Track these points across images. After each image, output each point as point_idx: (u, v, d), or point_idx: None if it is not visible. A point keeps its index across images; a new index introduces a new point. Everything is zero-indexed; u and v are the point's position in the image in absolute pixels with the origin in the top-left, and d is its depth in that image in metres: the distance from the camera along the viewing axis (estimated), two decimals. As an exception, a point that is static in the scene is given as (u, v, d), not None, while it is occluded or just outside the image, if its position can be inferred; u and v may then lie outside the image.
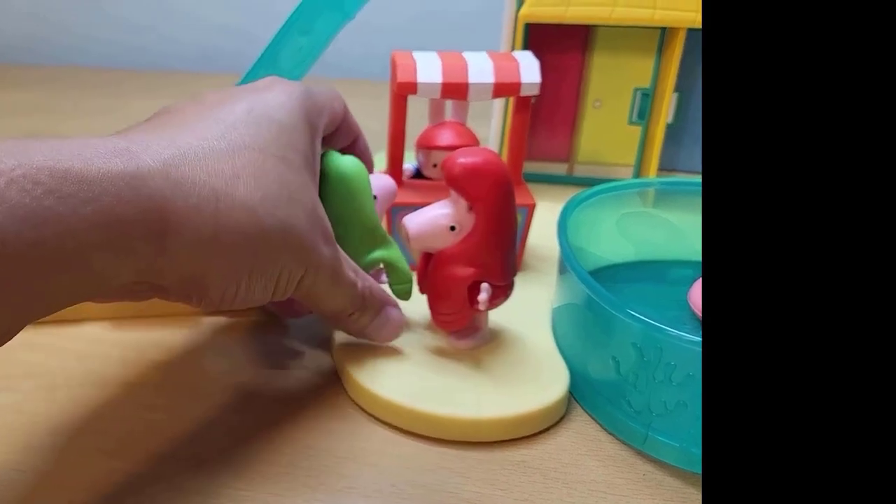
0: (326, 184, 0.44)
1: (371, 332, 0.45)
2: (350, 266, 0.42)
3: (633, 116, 0.67)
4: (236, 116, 0.37)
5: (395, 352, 0.46)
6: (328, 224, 0.40)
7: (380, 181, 0.48)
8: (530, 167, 0.70)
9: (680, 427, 0.39)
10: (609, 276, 0.56)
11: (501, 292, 0.44)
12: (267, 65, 0.67)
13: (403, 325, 0.46)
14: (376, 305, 0.44)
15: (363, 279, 0.43)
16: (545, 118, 0.68)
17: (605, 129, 0.68)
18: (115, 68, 1.14)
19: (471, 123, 0.57)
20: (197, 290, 0.35)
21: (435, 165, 0.56)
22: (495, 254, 0.43)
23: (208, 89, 0.41)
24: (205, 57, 1.13)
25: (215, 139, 0.35)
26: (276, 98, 0.40)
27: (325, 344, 0.49)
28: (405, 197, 0.53)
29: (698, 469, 0.39)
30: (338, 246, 0.41)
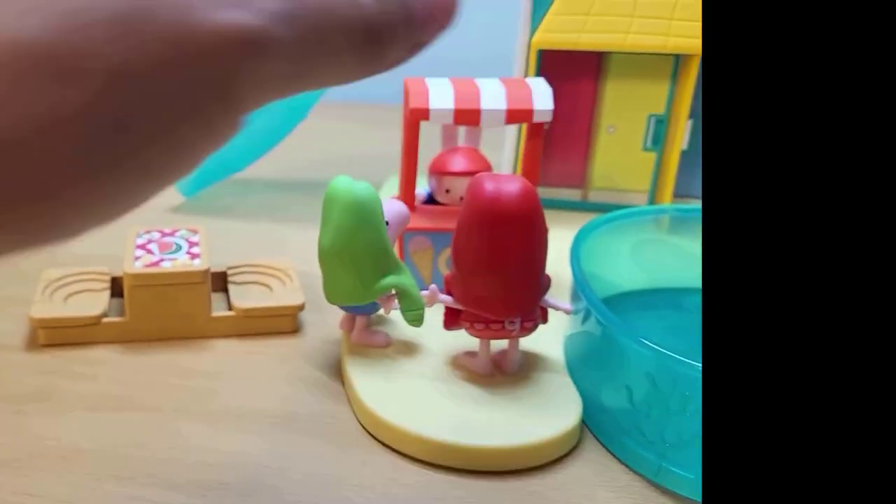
0: (338, 209, 0.44)
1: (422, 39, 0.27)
2: None
3: (648, 142, 0.67)
4: None
5: (406, 378, 0.46)
6: None
7: (392, 207, 0.48)
8: (544, 193, 0.69)
9: (695, 458, 0.38)
10: (623, 303, 0.55)
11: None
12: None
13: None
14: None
15: None
16: (559, 144, 0.68)
17: (620, 155, 0.68)
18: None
19: (484, 149, 0.57)
20: None
21: (448, 191, 0.55)
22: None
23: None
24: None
25: None
26: None
27: (338, 372, 0.49)
28: (418, 222, 0.53)
29: (713, 501, 0.39)
30: None
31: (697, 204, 0.68)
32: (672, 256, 0.57)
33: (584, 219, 0.54)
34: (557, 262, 0.48)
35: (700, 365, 0.37)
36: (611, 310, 0.51)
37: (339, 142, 0.94)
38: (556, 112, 0.65)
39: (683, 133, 0.65)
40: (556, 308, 0.46)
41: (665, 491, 0.40)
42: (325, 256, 0.46)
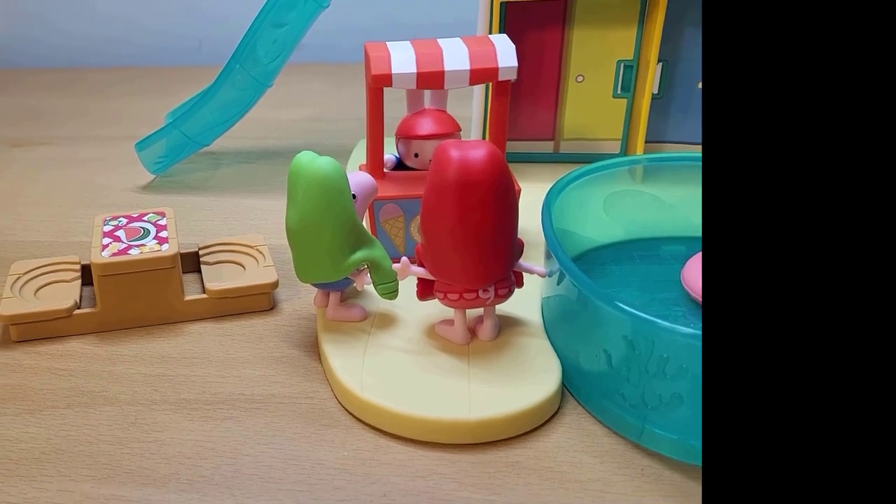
0: (302, 187, 0.43)
1: None
2: None
3: (618, 89, 0.66)
4: None
5: (383, 352, 0.45)
6: None
7: (357, 179, 0.47)
8: (516, 147, 0.68)
9: (677, 419, 0.38)
10: (600, 257, 0.55)
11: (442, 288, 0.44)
12: (244, 57, 0.66)
13: None
14: None
15: None
16: (528, 97, 0.67)
17: (590, 103, 0.67)
18: (91, 66, 1.12)
19: (452, 105, 0.56)
20: None
21: (416, 155, 0.54)
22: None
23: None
24: (188, 49, 1.11)
25: None
26: None
27: (314, 349, 0.48)
28: (387, 191, 0.52)
29: (698, 461, 0.38)
30: None
31: (670, 152, 0.67)
32: (646, 207, 0.56)
33: (557, 171, 0.53)
34: (533, 219, 0.48)
35: (678, 328, 0.36)
36: (587, 264, 0.50)
37: (309, 104, 0.93)
38: (523, 64, 0.64)
39: (653, 77, 0.64)
40: (531, 272, 0.45)
41: (648, 453, 0.40)
42: (292, 235, 0.45)
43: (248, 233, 0.58)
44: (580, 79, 0.66)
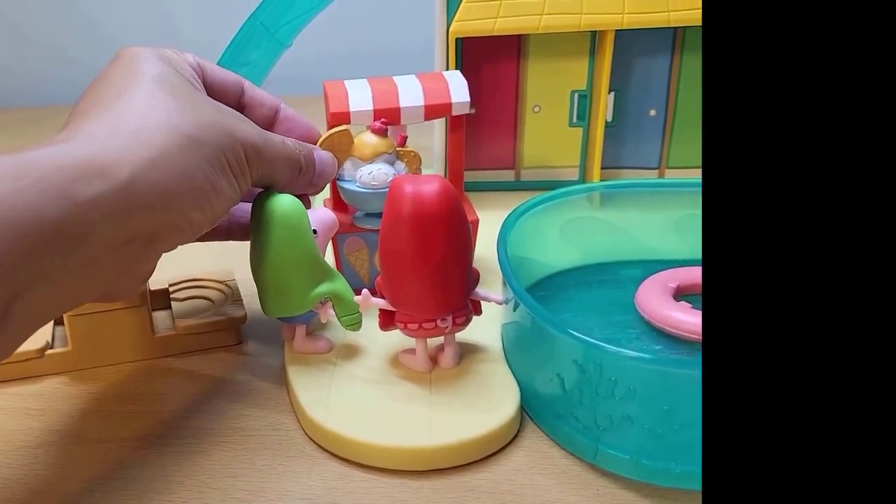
0: (265, 224, 0.45)
1: (318, 180, 0.48)
2: (275, 134, 0.45)
3: (573, 118, 0.68)
4: None
5: (348, 382, 0.46)
6: (230, 117, 0.42)
7: (318, 215, 0.48)
8: (479, 176, 0.70)
9: (628, 439, 0.40)
10: (558, 282, 0.56)
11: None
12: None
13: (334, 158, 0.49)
14: (309, 151, 0.48)
15: (284, 138, 0.46)
16: (488, 127, 0.69)
17: (547, 133, 0.69)
18: (36, 106, 1.10)
19: (417, 137, 0.57)
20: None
21: (378, 188, 0.56)
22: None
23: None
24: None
25: None
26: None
27: (282, 381, 0.49)
28: (350, 224, 0.53)
29: (651, 480, 0.40)
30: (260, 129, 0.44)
31: (625, 179, 0.69)
32: (603, 232, 0.58)
33: (519, 198, 0.55)
34: (493, 248, 0.49)
35: (624, 351, 0.38)
36: (546, 289, 0.52)
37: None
38: (482, 96, 0.66)
39: (606, 106, 0.66)
40: (488, 299, 0.47)
41: (603, 473, 0.41)
42: (256, 271, 0.46)
43: (218, 268, 0.59)
44: (537, 109, 0.68)
